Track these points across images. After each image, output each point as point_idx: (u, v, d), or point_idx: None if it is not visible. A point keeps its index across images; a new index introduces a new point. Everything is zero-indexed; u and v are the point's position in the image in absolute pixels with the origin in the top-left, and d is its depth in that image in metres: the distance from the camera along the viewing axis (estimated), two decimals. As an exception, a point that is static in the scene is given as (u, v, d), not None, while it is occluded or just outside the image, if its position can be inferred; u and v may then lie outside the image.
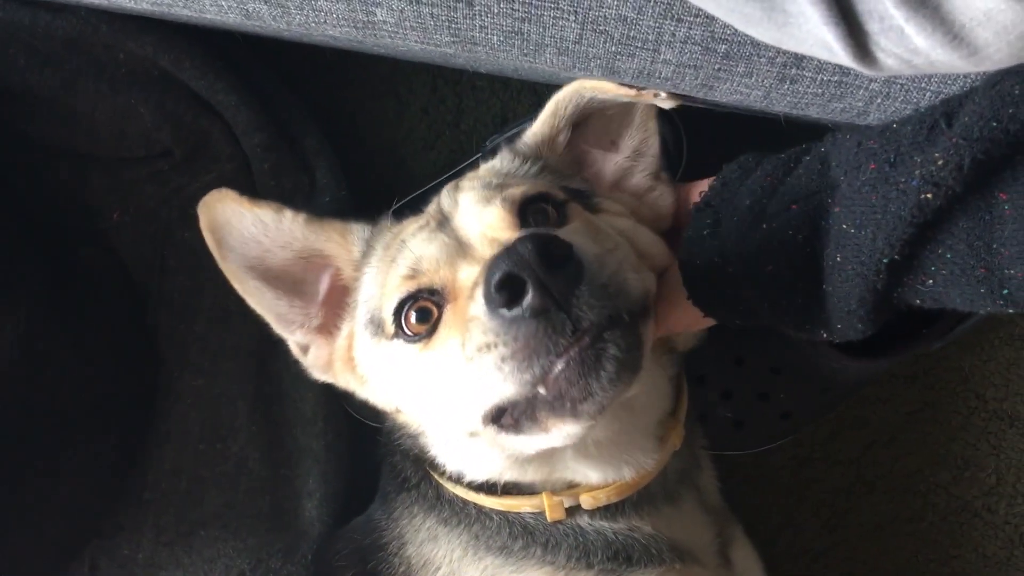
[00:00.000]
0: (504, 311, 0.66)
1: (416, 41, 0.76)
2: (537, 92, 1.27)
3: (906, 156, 0.63)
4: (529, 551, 0.91)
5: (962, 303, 0.67)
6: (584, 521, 0.92)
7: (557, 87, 1.18)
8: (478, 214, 0.82)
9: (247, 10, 0.76)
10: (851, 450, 1.34)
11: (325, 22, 0.75)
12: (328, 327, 0.95)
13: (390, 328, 0.83)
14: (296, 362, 1.23)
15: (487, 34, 0.73)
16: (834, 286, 0.70)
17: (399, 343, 0.82)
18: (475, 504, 0.93)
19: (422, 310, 0.80)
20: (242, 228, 0.90)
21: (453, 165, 1.28)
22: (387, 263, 0.86)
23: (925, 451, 1.34)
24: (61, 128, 1.15)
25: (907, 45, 0.57)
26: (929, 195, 0.61)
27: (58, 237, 1.17)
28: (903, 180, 0.63)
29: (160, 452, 1.20)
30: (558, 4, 0.70)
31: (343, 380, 0.96)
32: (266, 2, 0.74)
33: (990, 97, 0.59)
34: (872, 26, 0.57)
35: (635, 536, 0.91)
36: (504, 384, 0.69)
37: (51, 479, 1.09)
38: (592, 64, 0.76)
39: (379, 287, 0.87)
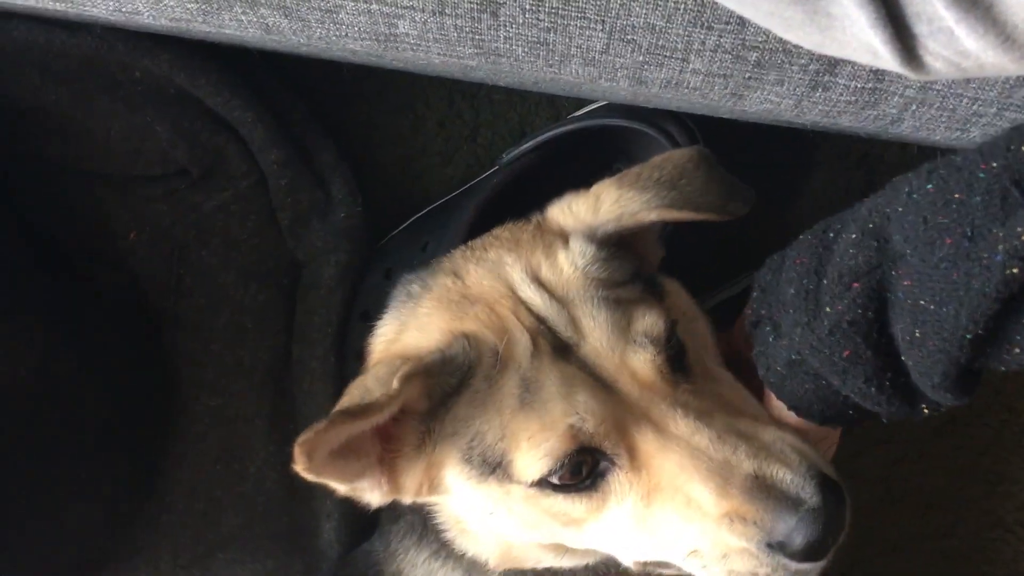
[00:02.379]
0: (791, 562, 0.72)
1: (439, 54, 0.74)
2: (555, 105, 1.26)
3: (983, 230, 0.62)
4: None
5: None
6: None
7: (578, 101, 1.17)
8: (621, 355, 0.76)
9: (267, 24, 0.75)
10: (877, 467, 1.32)
11: (346, 35, 0.74)
12: (382, 457, 0.83)
13: (525, 478, 0.76)
14: (310, 380, 1.23)
15: (511, 45, 0.71)
16: (915, 360, 0.69)
17: (535, 490, 0.77)
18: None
19: (576, 463, 0.76)
20: (339, 443, 0.76)
21: (470, 179, 1.27)
22: (500, 396, 0.78)
23: (954, 466, 1.31)
24: (76, 147, 1.14)
25: (957, 47, 0.56)
26: (1015, 270, 0.59)
27: (73, 258, 1.16)
28: (986, 256, 0.61)
29: (177, 474, 1.19)
30: (584, 13, 0.69)
31: (410, 500, 0.87)
32: (287, 16, 0.72)
33: None
34: (921, 28, 0.56)
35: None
36: None
37: (66, 503, 1.08)
38: (619, 75, 0.74)
39: (490, 425, 0.77)
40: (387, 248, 1.26)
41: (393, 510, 0.98)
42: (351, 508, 1.19)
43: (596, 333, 0.77)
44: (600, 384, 0.76)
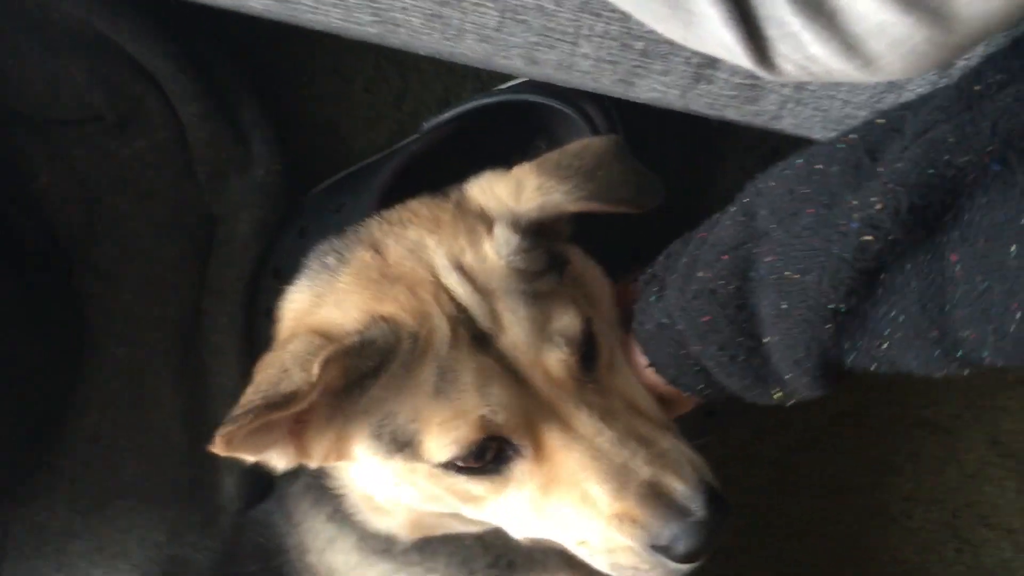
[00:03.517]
0: (671, 563, 0.77)
1: (338, 19, 0.75)
2: (481, 77, 1.27)
3: (840, 198, 0.65)
4: (409, 557, 0.93)
5: (917, 366, 0.69)
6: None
7: (504, 75, 1.18)
8: (537, 353, 0.79)
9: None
10: (774, 451, 1.36)
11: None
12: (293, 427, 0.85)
13: (432, 459, 0.79)
14: (219, 335, 1.23)
15: (408, 15, 0.72)
16: (781, 334, 0.71)
17: (440, 470, 0.80)
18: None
19: (481, 448, 0.79)
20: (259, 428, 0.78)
21: (392, 144, 1.28)
22: (416, 381, 0.79)
23: (846, 455, 1.36)
24: (-10, 88, 1.13)
25: (804, 52, 0.58)
26: (869, 238, 0.62)
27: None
28: (843, 223, 0.64)
29: (80, 420, 1.18)
30: (477, -8, 0.70)
31: (316, 465, 0.89)
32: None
33: (924, 145, 0.60)
34: (771, 31, 0.58)
35: (514, 544, 0.90)
36: None
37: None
38: (513, 53, 0.76)
39: (403, 407, 0.79)
40: (303, 206, 1.27)
41: (293, 475, 0.98)
42: (252, 466, 1.21)
43: (515, 329, 0.79)
44: (514, 378, 0.79)
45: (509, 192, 0.86)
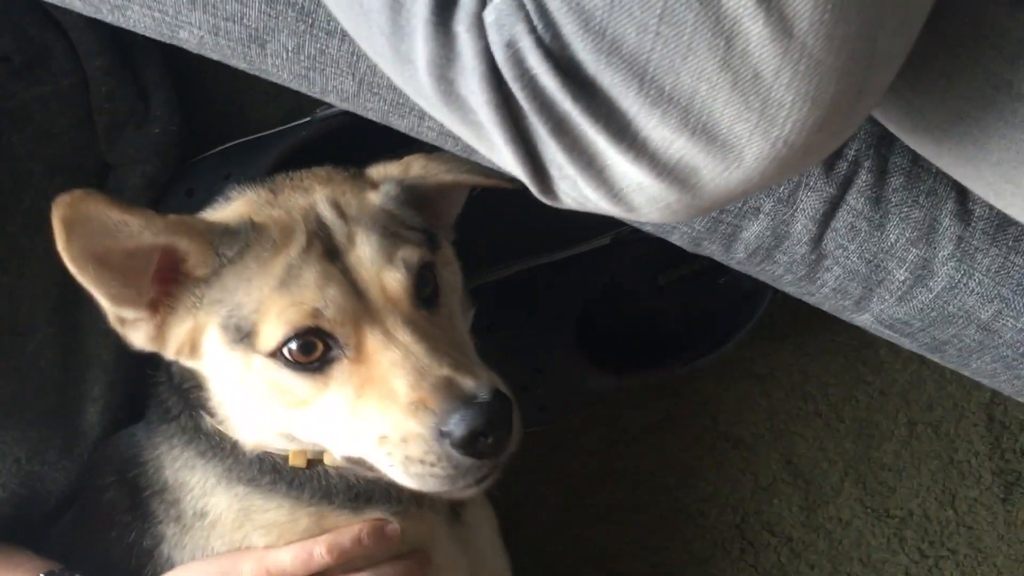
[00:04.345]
0: (455, 452, 0.83)
1: (218, 58, 0.84)
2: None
3: None
4: (276, 486, 1.03)
5: None
6: (329, 467, 1.03)
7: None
8: (378, 271, 0.90)
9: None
10: (597, 444, 1.51)
11: (135, 28, 0.82)
12: (156, 303, 0.95)
13: (265, 347, 0.89)
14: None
15: (279, 72, 0.82)
16: None
17: (271, 361, 0.90)
18: (231, 440, 1.04)
19: (308, 343, 0.89)
20: (101, 226, 0.87)
21: (288, 122, 1.35)
22: (265, 275, 0.90)
23: (659, 455, 1.52)
24: None
25: (581, 193, 0.67)
26: None
27: None
28: None
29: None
30: (338, 64, 0.79)
31: (171, 356, 0.99)
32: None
33: None
34: (553, 172, 0.66)
35: (375, 481, 1.02)
36: (410, 481, 0.88)
37: None
38: (371, 115, 0.86)
39: (249, 297, 0.90)
40: (193, 169, 1.34)
41: (167, 411, 1.08)
42: (116, 398, 1.30)
43: (364, 248, 0.91)
44: (353, 288, 0.90)
45: (399, 169, 1.00)
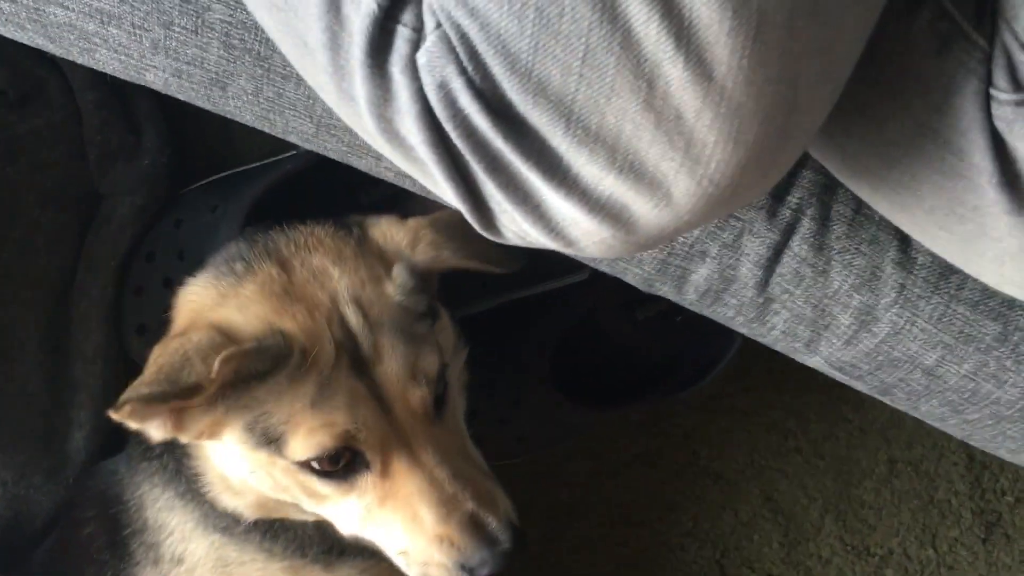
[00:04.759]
0: None
1: (184, 99, 0.87)
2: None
3: None
4: (250, 535, 1.06)
5: None
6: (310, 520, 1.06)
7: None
8: (403, 387, 0.93)
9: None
10: (578, 476, 1.52)
11: (104, 68, 0.85)
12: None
13: (293, 457, 0.92)
14: (87, 304, 1.34)
15: (242, 113, 0.84)
16: None
17: (296, 467, 0.93)
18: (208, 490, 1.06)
19: (336, 456, 0.93)
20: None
21: (278, 153, 1.38)
22: (296, 392, 0.91)
23: (641, 489, 1.53)
24: None
25: (520, 227, 0.69)
26: None
27: None
28: None
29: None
30: (295, 107, 0.82)
31: (189, 440, 1.01)
32: (52, 42, 0.83)
33: None
34: (493, 206, 0.68)
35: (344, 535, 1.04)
36: None
37: None
38: (331, 155, 0.88)
39: (280, 410, 0.91)
40: (183, 200, 1.37)
41: (149, 449, 1.10)
42: (102, 424, 1.32)
43: (391, 363, 0.93)
44: (379, 404, 0.93)
45: (408, 242, 1.00)
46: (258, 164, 1.37)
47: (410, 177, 0.87)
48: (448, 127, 0.64)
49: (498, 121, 0.63)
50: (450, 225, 1.00)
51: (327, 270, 0.97)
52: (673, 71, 0.59)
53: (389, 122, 0.67)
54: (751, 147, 0.61)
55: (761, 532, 1.52)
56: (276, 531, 1.06)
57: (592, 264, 0.97)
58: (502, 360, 1.37)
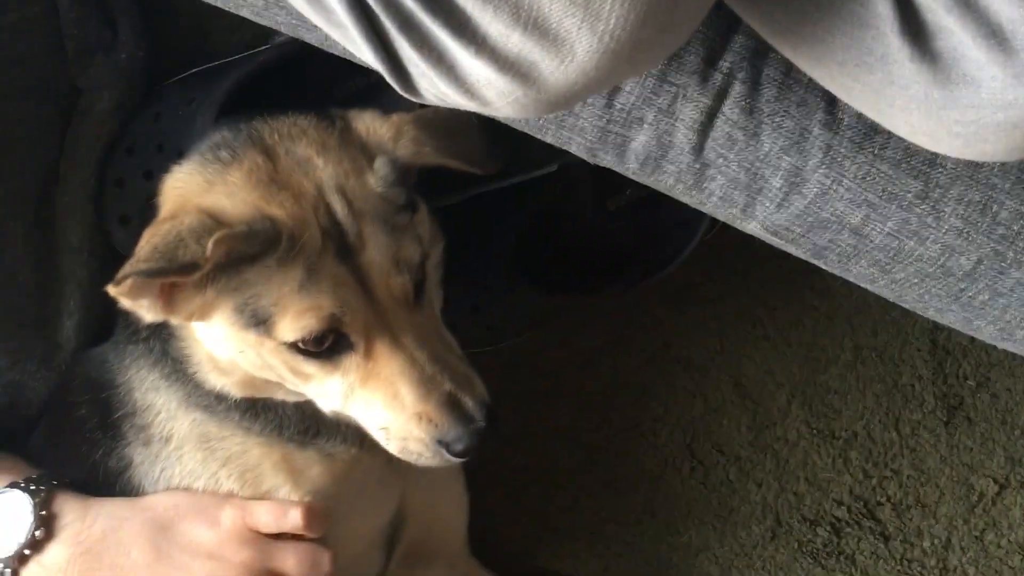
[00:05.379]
0: (446, 452, 0.99)
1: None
2: None
3: None
4: (230, 414, 1.12)
5: None
6: (288, 400, 1.12)
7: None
8: (386, 275, 0.98)
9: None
10: (551, 365, 1.57)
11: None
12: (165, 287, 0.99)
13: (280, 338, 0.97)
14: (70, 195, 1.37)
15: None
16: None
17: (283, 347, 0.98)
18: (193, 369, 1.12)
19: (321, 337, 0.98)
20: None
21: (253, 47, 1.41)
22: (284, 276, 0.96)
23: (613, 376, 1.57)
24: None
25: (438, 89, 0.72)
26: None
27: None
28: None
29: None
30: None
31: (180, 322, 1.06)
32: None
33: None
34: (411, 69, 0.72)
35: (322, 416, 1.10)
36: (397, 455, 1.03)
37: None
38: (283, 28, 0.92)
39: (268, 292, 0.96)
40: (160, 94, 1.40)
41: (136, 333, 1.16)
42: (91, 313, 1.37)
43: (374, 250, 0.98)
44: (363, 288, 0.98)
45: (390, 136, 1.04)
46: (232, 58, 1.40)
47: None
48: None
49: None
50: (433, 123, 1.04)
51: (312, 159, 1.01)
52: None
53: None
54: (648, 1, 0.64)
55: (730, 417, 1.56)
56: (256, 411, 1.12)
57: (541, 136, 0.99)
58: (472, 250, 1.41)
